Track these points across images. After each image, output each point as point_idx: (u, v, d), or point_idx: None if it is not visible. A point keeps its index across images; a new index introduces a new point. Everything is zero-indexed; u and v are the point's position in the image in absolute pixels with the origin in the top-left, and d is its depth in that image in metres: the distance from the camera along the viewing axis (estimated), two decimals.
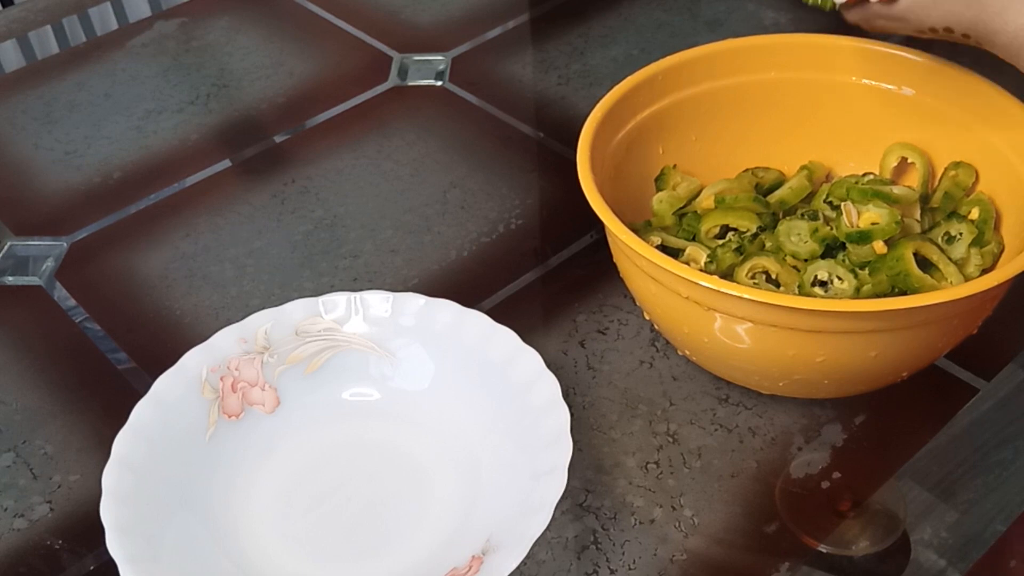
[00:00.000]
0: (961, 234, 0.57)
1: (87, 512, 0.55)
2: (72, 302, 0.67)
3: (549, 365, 0.54)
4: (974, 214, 0.58)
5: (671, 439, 0.57)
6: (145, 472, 0.51)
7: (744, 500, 0.54)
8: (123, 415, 0.52)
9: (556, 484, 0.48)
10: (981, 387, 0.58)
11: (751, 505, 0.53)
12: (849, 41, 0.61)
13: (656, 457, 0.56)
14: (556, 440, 0.50)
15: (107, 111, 0.83)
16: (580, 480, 0.55)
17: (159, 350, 0.62)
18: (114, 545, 0.47)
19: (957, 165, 0.59)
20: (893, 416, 0.57)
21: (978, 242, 0.57)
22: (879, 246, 0.55)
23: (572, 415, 0.51)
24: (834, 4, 0.47)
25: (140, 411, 0.53)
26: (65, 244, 0.71)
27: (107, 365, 0.63)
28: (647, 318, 0.58)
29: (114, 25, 1.00)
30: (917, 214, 0.58)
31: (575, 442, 0.50)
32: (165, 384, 0.54)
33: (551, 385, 0.53)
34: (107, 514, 0.48)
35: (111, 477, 0.50)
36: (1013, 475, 0.54)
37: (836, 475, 0.55)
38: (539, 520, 0.47)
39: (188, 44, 0.90)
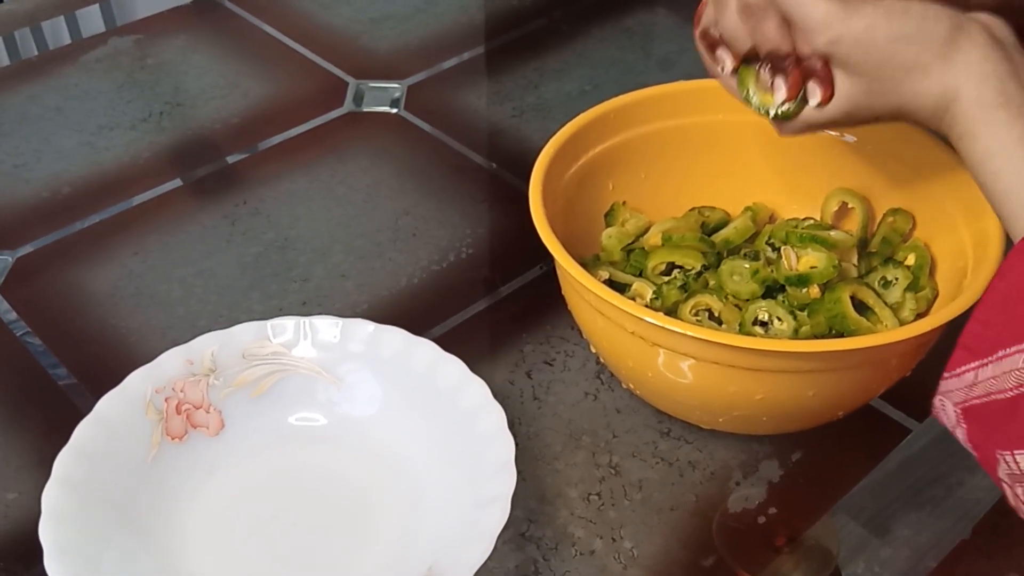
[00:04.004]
0: (897, 279, 0.59)
1: (25, 532, 0.54)
2: (14, 315, 0.66)
3: (496, 395, 0.54)
4: (910, 260, 0.60)
5: (613, 471, 0.57)
6: (86, 492, 0.50)
7: (682, 533, 0.55)
8: (64, 433, 0.52)
9: (499, 514, 0.49)
10: (914, 427, 0.60)
11: (689, 538, 0.54)
12: None
13: (598, 489, 0.57)
14: (500, 470, 0.51)
15: (58, 125, 0.82)
16: (523, 510, 0.55)
17: (103, 368, 0.62)
18: (52, 566, 0.47)
19: (895, 212, 0.61)
20: (829, 453, 0.59)
21: (913, 287, 0.58)
22: (814, 291, 0.57)
23: (517, 445, 0.52)
24: (767, 112, 0.50)
25: (83, 430, 0.53)
26: (10, 258, 0.71)
27: (48, 381, 0.62)
28: (593, 351, 0.59)
29: (67, 40, 0.99)
30: (854, 259, 0.60)
31: (519, 472, 0.51)
32: (109, 404, 0.54)
33: (497, 415, 0.53)
34: (46, 534, 0.48)
35: (51, 497, 0.49)
36: (944, 512, 0.56)
37: (772, 510, 0.56)
38: (481, 549, 0.48)
39: (143, 61, 0.90)
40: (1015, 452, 0.41)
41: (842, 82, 0.48)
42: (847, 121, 0.49)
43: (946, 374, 0.43)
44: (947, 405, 0.44)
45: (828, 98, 0.48)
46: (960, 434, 0.44)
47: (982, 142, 0.45)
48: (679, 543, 0.54)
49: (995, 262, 0.52)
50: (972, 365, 0.42)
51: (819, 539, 0.55)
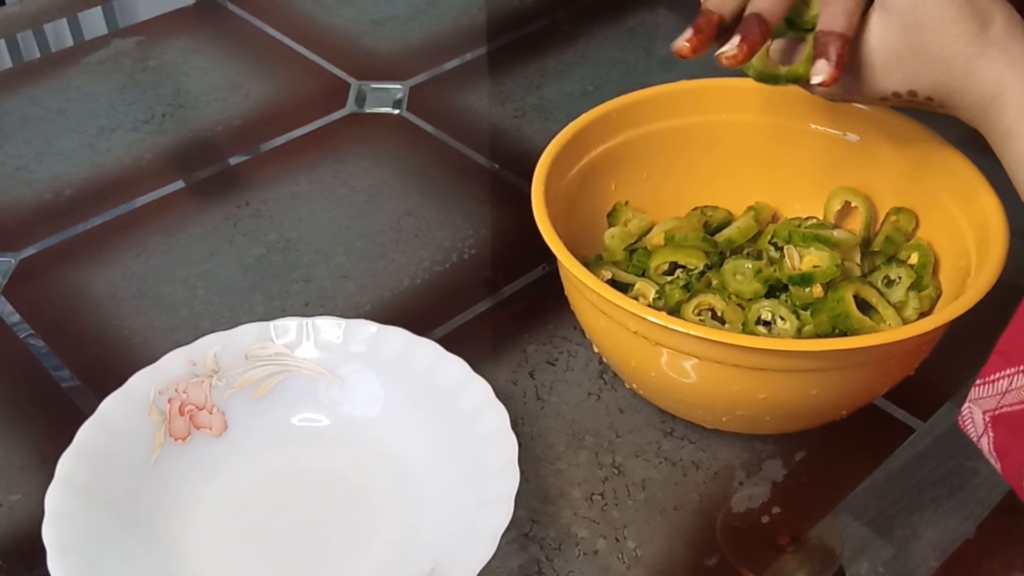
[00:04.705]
0: (900, 278, 0.59)
1: (28, 533, 0.54)
2: (17, 317, 0.66)
3: (498, 395, 0.54)
4: (913, 259, 0.60)
5: (616, 471, 0.57)
6: (89, 494, 0.50)
7: (686, 533, 0.54)
8: (67, 434, 0.52)
9: (502, 514, 0.49)
10: (917, 427, 0.60)
11: (693, 538, 0.54)
12: (796, 87, 0.63)
13: (601, 489, 0.56)
14: (503, 470, 0.51)
15: (60, 127, 0.82)
16: (526, 510, 0.55)
17: (106, 370, 0.62)
18: (55, 567, 0.47)
19: (898, 211, 0.61)
20: (832, 453, 0.59)
21: (916, 286, 0.58)
22: (817, 290, 0.57)
23: (520, 445, 0.52)
24: (798, 77, 0.49)
25: (85, 432, 0.53)
26: (13, 260, 0.71)
27: (51, 383, 0.62)
28: (596, 351, 0.59)
29: (69, 42, 0.99)
30: (857, 258, 0.60)
31: (522, 472, 0.51)
32: (111, 405, 0.54)
33: (500, 415, 0.53)
34: (49, 535, 0.48)
35: (54, 498, 0.49)
36: (948, 512, 0.55)
37: (776, 510, 0.56)
38: (484, 549, 0.47)
39: (144, 63, 0.90)
40: None
41: (894, 38, 0.46)
42: (876, 85, 0.48)
43: (979, 380, 0.43)
44: (975, 413, 0.44)
45: (835, 78, 0.47)
46: (985, 443, 0.44)
47: None
48: (682, 543, 0.54)
49: (998, 261, 0.52)
50: (1007, 372, 0.42)
51: (822, 539, 0.55)
